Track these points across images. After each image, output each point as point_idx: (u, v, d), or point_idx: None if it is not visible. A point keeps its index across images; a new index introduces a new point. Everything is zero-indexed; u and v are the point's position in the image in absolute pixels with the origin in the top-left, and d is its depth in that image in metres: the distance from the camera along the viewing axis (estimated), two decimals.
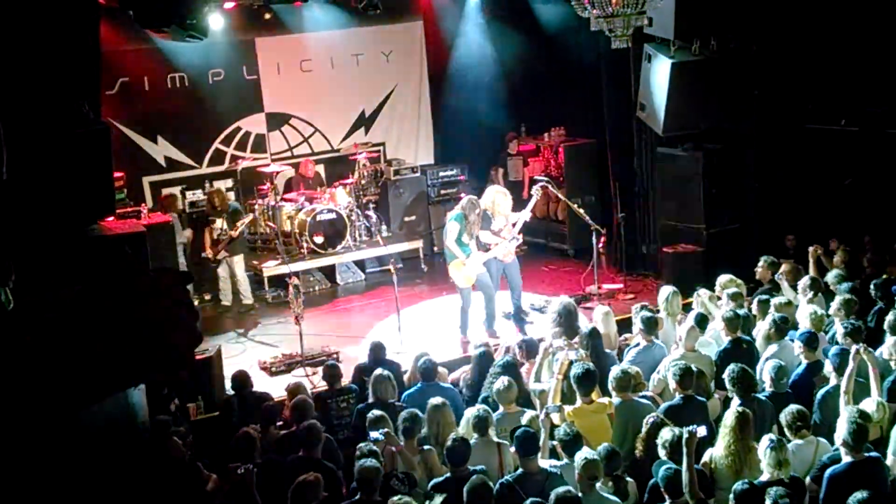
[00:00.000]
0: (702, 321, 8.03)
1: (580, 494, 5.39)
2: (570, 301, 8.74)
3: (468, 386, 7.87)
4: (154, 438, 6.68)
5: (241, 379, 8.06)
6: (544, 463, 5.94)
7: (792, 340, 7.57)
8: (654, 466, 5.77)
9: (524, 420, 6.55)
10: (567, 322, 8.28)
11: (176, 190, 12.86)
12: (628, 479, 5.90)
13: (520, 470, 5.83)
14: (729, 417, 6.02)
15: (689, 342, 7.66)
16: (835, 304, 8.00)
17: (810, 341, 7.24)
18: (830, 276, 8.82)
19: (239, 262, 11.94)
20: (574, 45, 12.49)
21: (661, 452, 5.84)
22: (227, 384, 8.71)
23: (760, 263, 9.32)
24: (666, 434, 5.86)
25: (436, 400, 6.80)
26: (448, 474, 5.94)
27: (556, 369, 7.04)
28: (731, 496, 5.25)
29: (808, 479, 5.80)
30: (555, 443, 6.17)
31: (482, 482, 5.51)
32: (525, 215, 10.40)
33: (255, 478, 5.92)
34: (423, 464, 6.34)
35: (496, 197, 10.35)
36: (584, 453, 5.70)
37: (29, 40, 4.95)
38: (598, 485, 5.62)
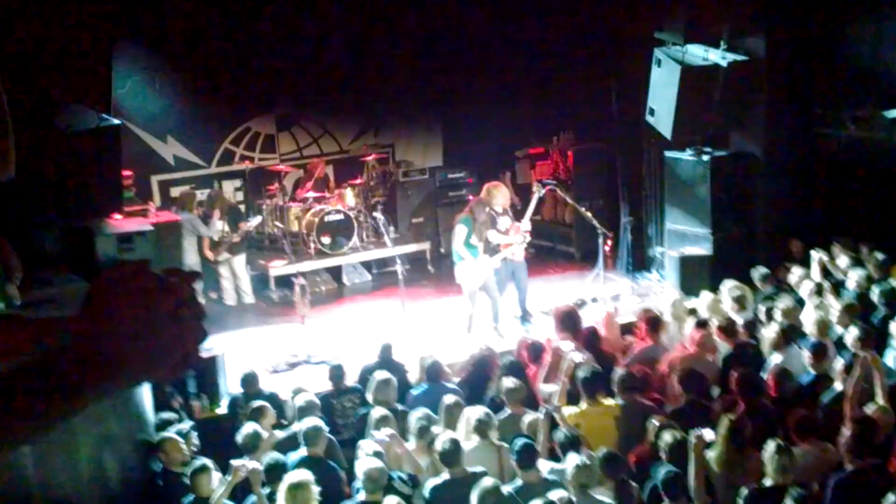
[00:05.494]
0: (706, 324, 8.03)
1: (573, 499, 5.37)
2: (570, 305, 8.75)
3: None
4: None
5: (250, 378, 8.08)
6: (544, 466, 5.93)
7: (800, 348, 7.55)
8: (652, 468, 5.75)
9: (526, 421, 6.54)
10: (569, 325, 8.27)
11: (186, 188, 12.86)
12: (633, 483, 5.88)
13: (519, 481, 5.81)
14: (722, 425, 5.99)
15: (693, 345, 7.66)
16: (835, 310, 7.97)
17: (818, 351, 7.22)
18: (852, 279, 8.77)
19: (240, 261, 11.95)
20: (584, 47, 12.48)
21: (662, 455, 5.82)
22: (233, 383, 8.73)
23: (756, 277, 9.38)
24: (667, 437, 5.85)
25: (450, 399, 6.81)
26: (447, 476, 5.95)
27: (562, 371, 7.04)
28: (741, 501, 5.22)
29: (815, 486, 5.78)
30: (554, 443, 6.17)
31: (494, 486, 5.48)
32: (529, 213, 10.40)
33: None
34: (434, 465, 6.33)
35: (497, 190, 10.33)
36: (575, 459, 5.69)
37: (41, 39, 4.98)
38: (596, 491, 5.61)
